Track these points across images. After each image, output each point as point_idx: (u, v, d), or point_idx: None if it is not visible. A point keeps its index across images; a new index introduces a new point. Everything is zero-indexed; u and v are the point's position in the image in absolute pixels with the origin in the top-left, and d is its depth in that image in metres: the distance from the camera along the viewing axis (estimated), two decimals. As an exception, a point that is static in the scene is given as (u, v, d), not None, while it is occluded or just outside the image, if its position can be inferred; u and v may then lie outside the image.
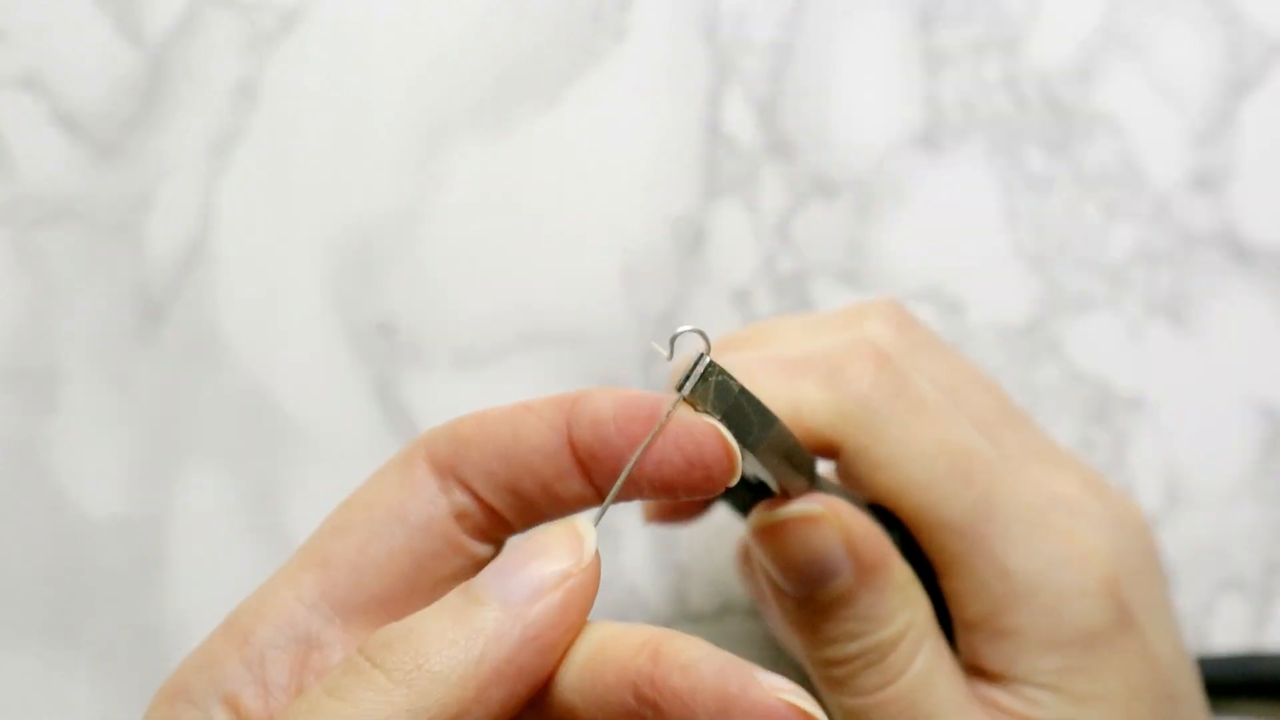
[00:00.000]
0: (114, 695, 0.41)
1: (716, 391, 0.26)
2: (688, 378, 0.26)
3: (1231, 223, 0.45)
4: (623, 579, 0.43)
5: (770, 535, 0.30)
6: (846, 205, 0.44)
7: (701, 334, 0.26)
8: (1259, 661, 0.43)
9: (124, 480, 0.42)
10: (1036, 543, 0.30)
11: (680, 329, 0.26)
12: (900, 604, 0.30)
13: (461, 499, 0.27)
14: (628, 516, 0.41)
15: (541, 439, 0.26)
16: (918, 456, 0.30)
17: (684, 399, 0.26)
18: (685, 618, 0.43)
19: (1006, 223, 0.45)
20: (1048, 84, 0.45)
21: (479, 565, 0.27)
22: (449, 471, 0.26)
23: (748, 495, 0.32)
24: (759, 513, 0.31)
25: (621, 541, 0.43)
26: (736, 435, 0.26)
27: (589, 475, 0.26)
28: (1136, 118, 0.45)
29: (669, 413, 0.26)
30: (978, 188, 0.45)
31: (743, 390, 0.27)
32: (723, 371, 0.26)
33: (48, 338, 0.42)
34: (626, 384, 0.43)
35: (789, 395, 0.31)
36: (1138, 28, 0.45)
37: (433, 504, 0.26)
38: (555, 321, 0.43)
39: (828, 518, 0.30)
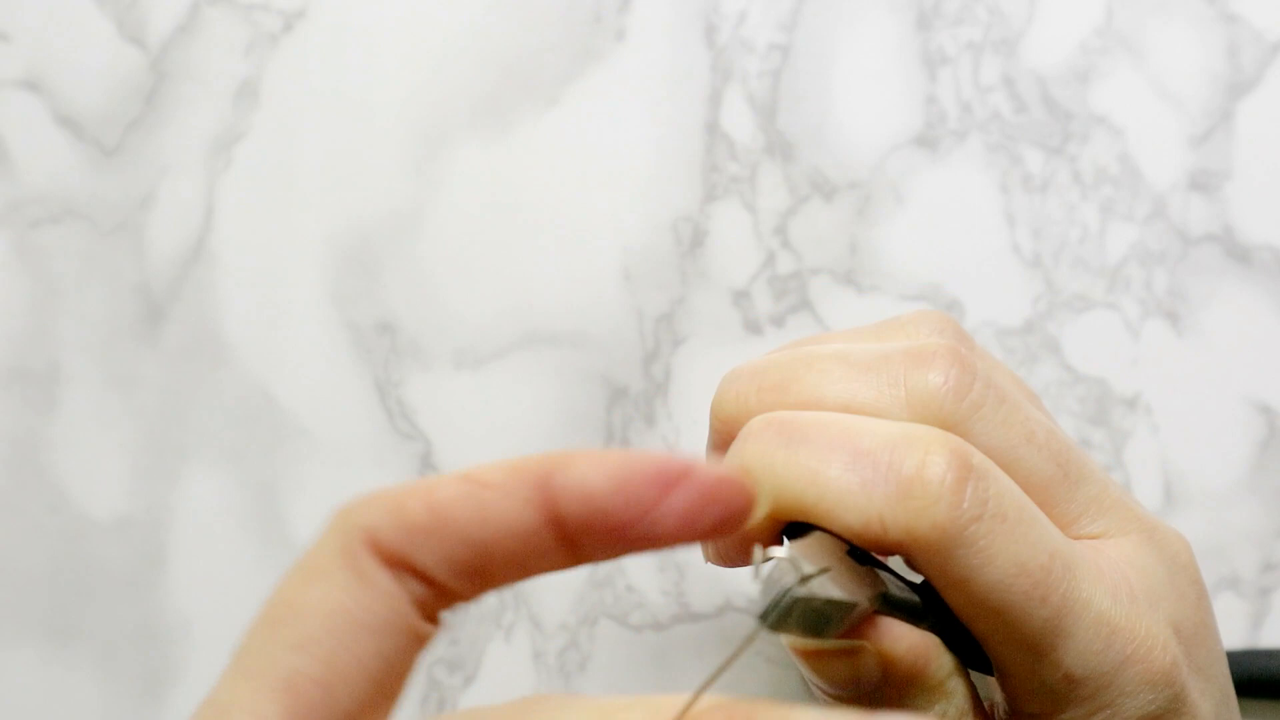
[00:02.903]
0: (114, 694, 0.41)
1: (801, 617, 0.24)
2: (773, 608, 0.24)
3: (1229, 223, 0.45)
4: (622, 578, 0.43)
5: (808, 655, 0.30)
6: (846, 205, 0.44)
7: (793, 563, 0.24)
8: (1256, 660, 0.43)
9: (125, 480, 0.42)
10: (1104, 645, 0.30)
11: (773, 553, 0.24)
12: (938, 699, 0.30)
13: (417, 589, 0.24)
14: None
15: (513, 519, 0.24)
16: (995, 583, 0.29)
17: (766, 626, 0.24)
18: (685, 617, 0.43)
19: (1004, 223, 0.45)
20: (1045, 85, 0.45)
21: (425, 643, 0.25)
22: (399, 561, 0.24)
23: None
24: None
25: (621, 541, 0.43)
26: (813, 633, 0.25)
27: (577, 550, 0.24)
28: (1134, 119, 0.45)
29: (749, 639, 0.24)
30: (976, 188, 0.45)
31: (828, 602, 0.25)
32: (810, 597, 0.24)
33: (48, 338, 0.42)
34: (627, 383, 0.43)
35: (862, 512, 0.29)
36: (1135, 29, 0.45)
37: (394, 599, 0.24)
38: (555, 321, 0.43)
39: (868, 649, 0.29)
